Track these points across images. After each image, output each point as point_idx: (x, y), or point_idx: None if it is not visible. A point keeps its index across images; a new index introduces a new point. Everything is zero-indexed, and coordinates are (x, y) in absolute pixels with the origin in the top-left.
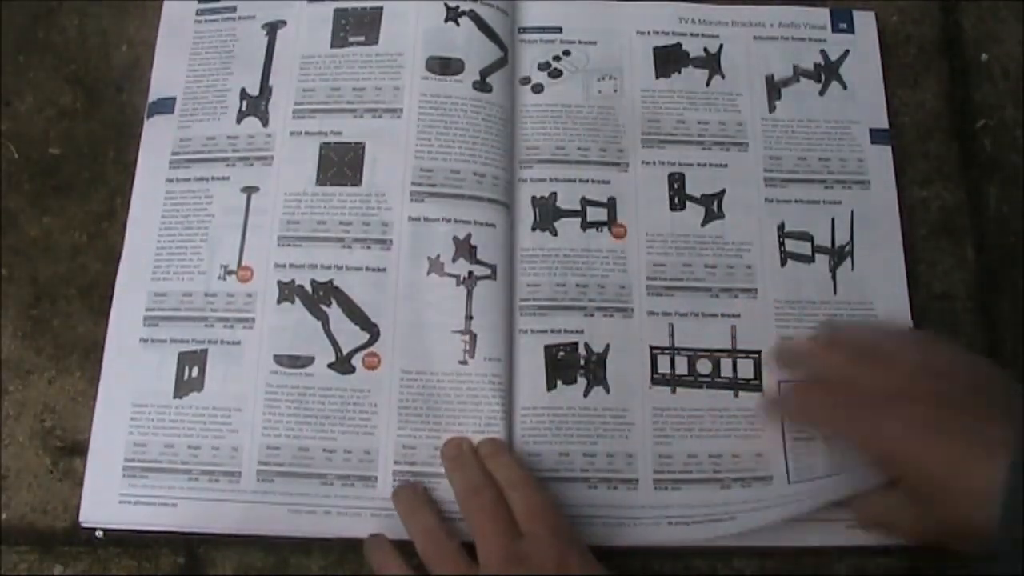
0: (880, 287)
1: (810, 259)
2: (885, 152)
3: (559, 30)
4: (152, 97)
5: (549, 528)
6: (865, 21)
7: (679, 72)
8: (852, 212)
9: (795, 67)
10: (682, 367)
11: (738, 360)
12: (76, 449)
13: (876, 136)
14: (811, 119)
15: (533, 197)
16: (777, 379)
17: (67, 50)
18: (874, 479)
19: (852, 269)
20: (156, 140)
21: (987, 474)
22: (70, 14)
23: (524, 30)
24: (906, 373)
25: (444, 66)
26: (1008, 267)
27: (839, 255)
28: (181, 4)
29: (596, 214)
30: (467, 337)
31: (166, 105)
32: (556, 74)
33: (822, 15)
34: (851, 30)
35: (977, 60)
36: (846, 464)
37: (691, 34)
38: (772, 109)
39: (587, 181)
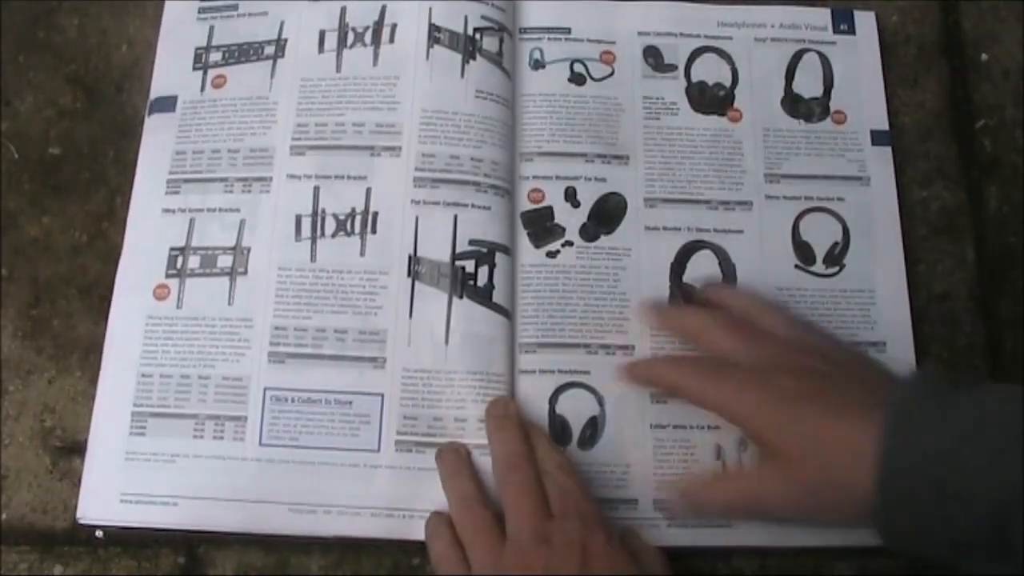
0: (880, 287)
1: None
2: (885, 153)
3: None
4: (153, 95)
5: (578, 513)
6: (865, 21)
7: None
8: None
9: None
10: None
11: None
12: (76, 449)
13: (877, 138)
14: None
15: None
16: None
17: (67, 50)
18: None
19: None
20: (157, 137)
21: (859, 436)
22: (70, 14)
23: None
24: (779, 345)
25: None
26: (1008, 267)
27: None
28: (182, 3)
29: None
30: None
31: (167, 104)
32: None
33: (822, 15)
34: (851, 31)
35: (977, 60)
36: None
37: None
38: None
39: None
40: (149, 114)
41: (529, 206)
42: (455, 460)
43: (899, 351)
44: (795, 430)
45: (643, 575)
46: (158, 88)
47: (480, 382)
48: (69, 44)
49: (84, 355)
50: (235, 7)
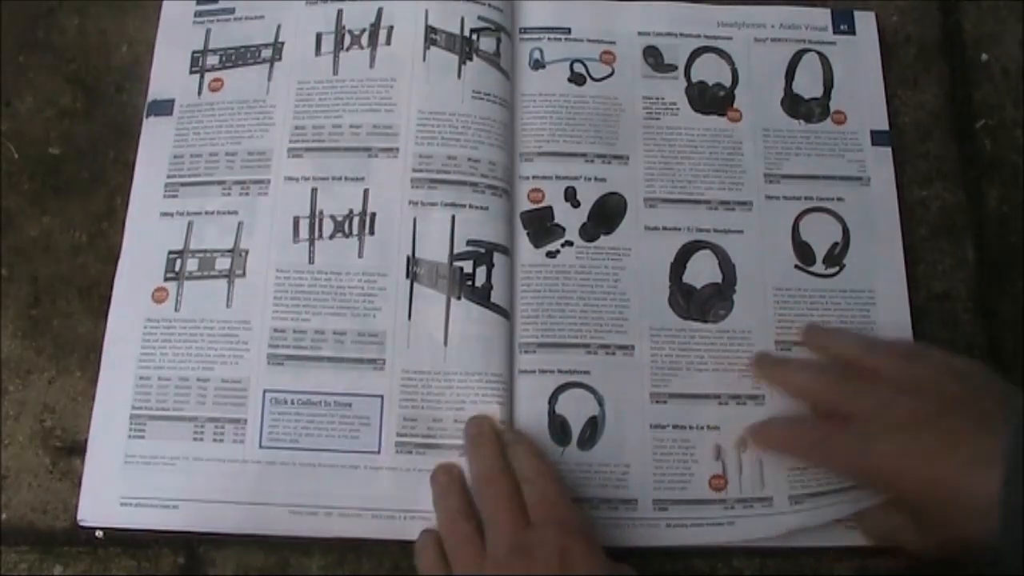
0: (880, 287)
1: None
2: (885, 153)
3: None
4: (150, 97)
5: (557, 520)
6: (865, 21)
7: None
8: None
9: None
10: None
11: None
12: (76, 449)
13: (876, 138)
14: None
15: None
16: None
17: (67, 50)
18: (874, 498)
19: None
20: (155, 140)
21: (979, 488)
22: (70, 14)
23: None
24: (887, 392)
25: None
26: (1008, 267)
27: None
28: (180, 4)
29: None
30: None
31: (164, 106)
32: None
33: (823, 16)
34: (852, 31)
35: (977, 60)
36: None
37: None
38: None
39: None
40: (147, 117)
41: (529, 206)
42: (447, 480)
43: None
44: (912, 487)
45: None
46: (155, 91)
47: (479, 383)
48: (69, 44)
49: (84, 355)
50: (232, 10)
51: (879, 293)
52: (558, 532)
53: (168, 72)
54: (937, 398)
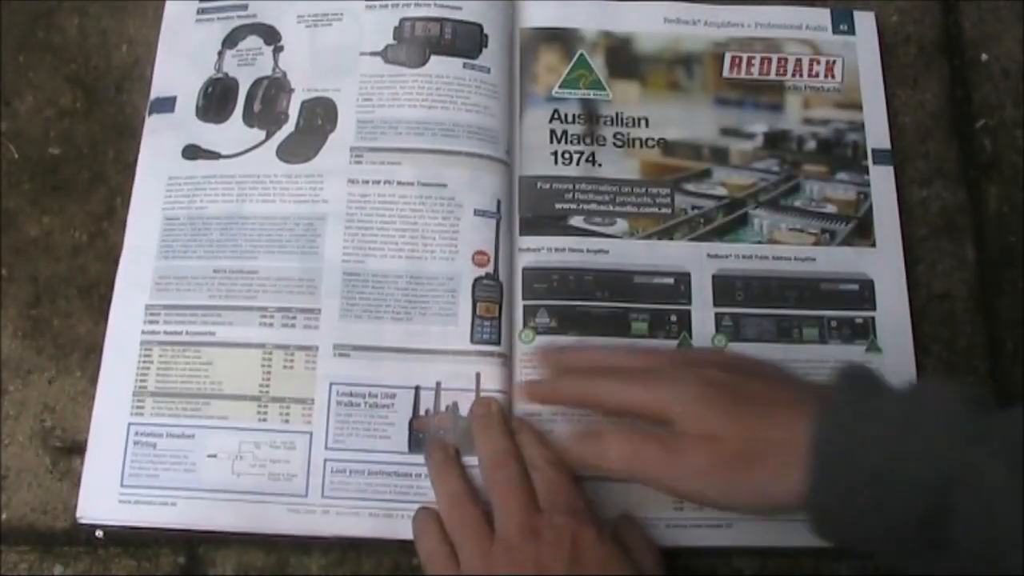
0: (880, 287)
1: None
2: (887, 173)
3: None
4: (153, 95)
5: (567, 507)
6: (865, 22)
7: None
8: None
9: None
10: None
11: None
12: (76, 449)
13: (878, 157)
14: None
15: None
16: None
17: (67, 50)
18: None
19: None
20: (156, 139)
21: (794, 425)
22: (70, 14)
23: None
24: (701, 362)
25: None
26: (1008, 267)
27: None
28: (182, 3)
29: None
30: None
31: (166, 104)
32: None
33: (823, 16)
34: (851, 31)
35: (977, 60)
36: None
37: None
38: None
39: None
40: (149, 115)
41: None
42: (443, 458)
43: (899, 351)
44: (726, 419)
45: (633, 571)
46: (158, 88)
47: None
48: (69, 44)
49: (84, 355)
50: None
51: (879, 293)
52: (569, 519)
53: (171, 69)
54: (748, 373)
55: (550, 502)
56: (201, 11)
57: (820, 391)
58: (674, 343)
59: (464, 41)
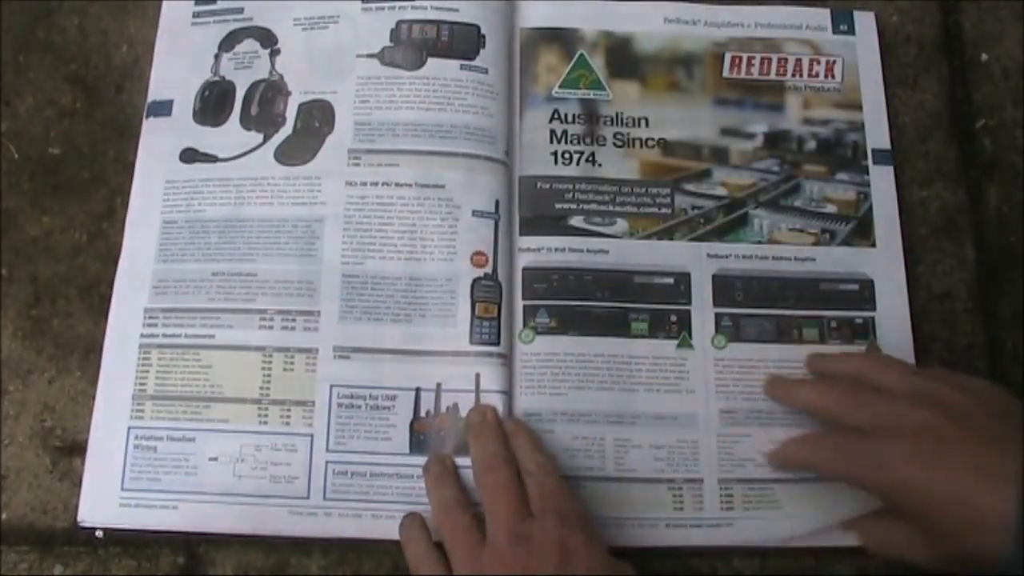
0: (880, 287)
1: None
2: (887, 172)
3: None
4: (150, 98)
5: (558, 512)
6: (865, 22)
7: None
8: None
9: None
10: None
11: None
12: (76, 449)
13: (878, 157)
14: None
15: None
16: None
17: (67, 50)
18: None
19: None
20: (155, 141)
21: (991, 504)
22: (70, 14)
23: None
24: (899, 404)
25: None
26: (1008, 267)
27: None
28: (179, 4)
29: None
30: None
31: (164, 107)
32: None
33: (823, 16)
34: (851, 31)
35: (977, 60)
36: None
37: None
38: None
39: None
40: (146, 117)
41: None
42: (440, 471)
43: (899, 351)
44: (926, 499)
45: (622, 574)
46: (155, 92)
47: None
48: (69, 44)
49: (84, 355)
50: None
51: (879, 293)
52: (559, 523)
53: (168, 72)
54: (950, 411)
55: (541, 507)
56: (197, 14)
57: (1017, 445)
58: (674, 343)
59: (461, 43)
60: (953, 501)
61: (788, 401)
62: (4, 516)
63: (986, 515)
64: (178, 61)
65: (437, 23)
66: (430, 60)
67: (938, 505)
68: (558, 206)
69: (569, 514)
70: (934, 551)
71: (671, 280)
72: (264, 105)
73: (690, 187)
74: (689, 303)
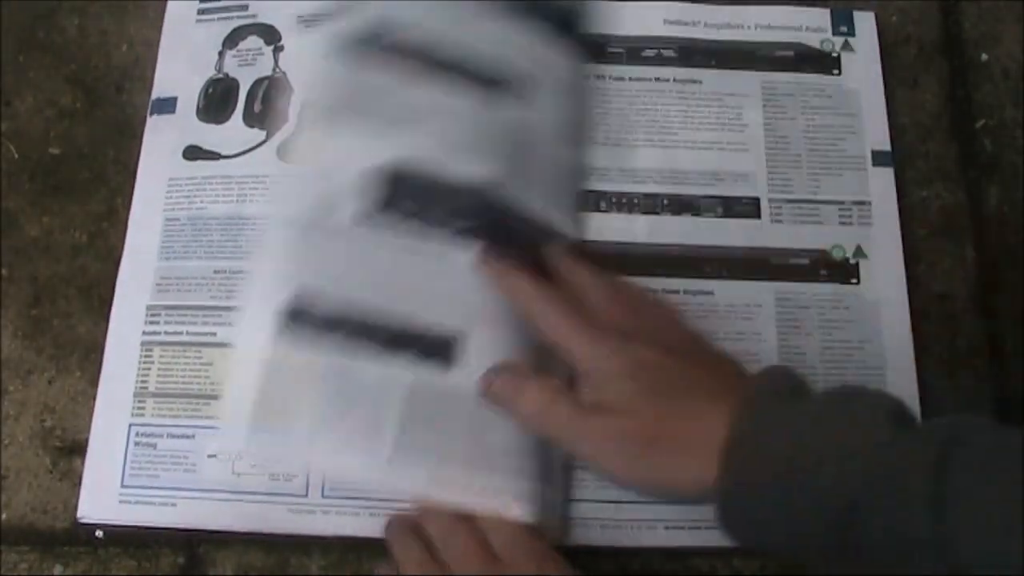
0: (880, 287)
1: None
2: (887, 174)
3: None
4: (154, 96)
5: (528, 550)
6: (865, 22)
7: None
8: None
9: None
10: None
11: None
12: (76, 449)
13: (878, 158)
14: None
15: None
16: None
17: (67, 50)
18: None
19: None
20: (158, 139)
21: (711, 418)
22: (70, 14)
23: None
24: (625, 339)
25: None
26: (1008, 267)
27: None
28: (183, 3)
29: None
30: None
31: (167, 105)
32: None
33: (823, 16)
34: (851, 32)
35: (977, 60)
36: None
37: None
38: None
39: None
40: (150, 115)
41: None
42: (400, 528)
43: (899, 351)
44: (643, 399)
45: None
46: (159, 89)
47: None
48: (69, 44)
49: (84, 355)
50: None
51: (879, 293)
52: (531, 559)
53: (172, 70)
54: (670, 351)
55: (511, 555)
56: (202, 11)
57: (744, 385)
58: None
59: None
60: (677, 412)
61: (504, 288)
62: (4, 516)
63: (705, 429)
64: (182, 58)
65: None
66: None
67: (662, 417)
68: None
69: (540, 550)
70: (642, 468)
71: None
72: (267, 102)
73: None
74: None
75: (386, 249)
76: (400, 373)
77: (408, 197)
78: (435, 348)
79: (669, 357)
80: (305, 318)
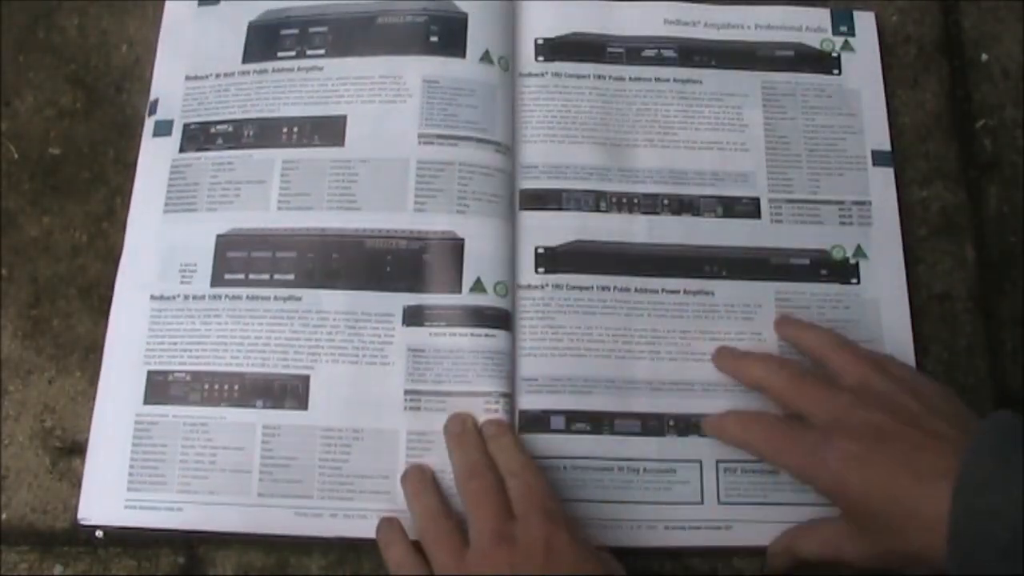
0: (880, 287)
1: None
2: (887, 174)
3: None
4: (153, 96)
5: (541, 511)
6: (865, 22)
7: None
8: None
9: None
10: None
11: None
12: (76, 449)
13: (878, 158)
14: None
15: None
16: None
17: (67, 50)
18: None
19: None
20: (157, 140)
21: (929, 503)
22: (70, 14)
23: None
24: (845, 398)
25: None
26: (1008, 267)
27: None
28: (182, 4)
29: None
30: None
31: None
32: None
33: (823, 16)
34: (852, 32)
35: (977, 60)
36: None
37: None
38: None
39: None
40: (149, 115)
41: None
42: (419, 479)
43: (899, 351)
44: (864, 498)
45: (604, 571)
46: (159, 87)
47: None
48: (69, 44)
49: (84, 355)
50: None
51: (879, 293)
52: (543, 522)
53: (171, 70)
54: (894, 412)
55: (524, 508)
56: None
57: (960, 445)
58: None
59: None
60: (891, 500)
61: (736, 375)
62: (4, 516)
63: (922, 513)
64: (181, 59)
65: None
66: None
67: (877, 504)
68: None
69: (554, 512)
70: (873, 549)
71: None
72: None
73: None
74: None
75: (229, 313)
76: (256, 419)
77: (241, 257)
78: (286, 392)
79: (907, 394)
80: (164, 387)
